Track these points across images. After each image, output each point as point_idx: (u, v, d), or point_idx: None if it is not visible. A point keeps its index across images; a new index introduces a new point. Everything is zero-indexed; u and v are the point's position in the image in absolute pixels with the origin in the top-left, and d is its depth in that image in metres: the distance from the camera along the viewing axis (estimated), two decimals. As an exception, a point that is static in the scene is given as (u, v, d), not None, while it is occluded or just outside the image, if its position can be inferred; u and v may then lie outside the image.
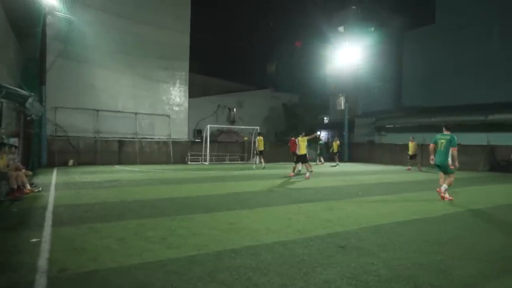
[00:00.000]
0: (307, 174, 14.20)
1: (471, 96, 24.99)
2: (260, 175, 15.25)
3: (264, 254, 4.34)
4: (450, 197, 8.93)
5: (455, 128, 22.22)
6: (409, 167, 20.49)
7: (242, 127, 27.19)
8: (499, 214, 7.41)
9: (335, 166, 21.75)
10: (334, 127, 34.64)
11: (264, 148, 19.78)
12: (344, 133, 29.28)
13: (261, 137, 19.68)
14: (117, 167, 18.51)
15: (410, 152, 20.33)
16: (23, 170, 9.15)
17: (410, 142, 20.46)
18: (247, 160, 24.99)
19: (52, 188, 9.90)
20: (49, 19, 18.01)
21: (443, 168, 9.05)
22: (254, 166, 20.39)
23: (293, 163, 15.32)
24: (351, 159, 28.11)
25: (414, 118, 26.94)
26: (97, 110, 20.40)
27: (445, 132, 9.15)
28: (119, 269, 3.84)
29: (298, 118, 29.07)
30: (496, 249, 4.81)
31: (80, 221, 5.95)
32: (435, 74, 28.12)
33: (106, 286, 3.44)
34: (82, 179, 12.39)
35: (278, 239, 5.04)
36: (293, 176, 14.54)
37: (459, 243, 5.05)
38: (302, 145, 14.31)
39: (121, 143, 20.97)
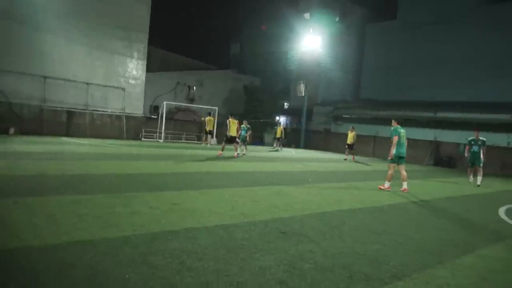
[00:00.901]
0: (235, 153, 15.32)
1: (422, 93, 26.14)
2: (215, 156, 15.05)
3: (203, 237, 4.20)
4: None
5: (406, 122, 23.13)
6: (346, 157, 19.87)
7: (201, 106, 26.66)
8: (437, 207, 7.77)
9: (275, 150, 22.01)
10: (294, 113, 35.01)
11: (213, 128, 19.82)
12: (302, 120, 29.63)
13: (211, 118, 20.21)
14: (65, 139, 17.52)
15: (349, 142, 19.44)
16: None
17: (349, 132, 19.68)
18: (205, 140, 24.62)
19: (-15, 157, 9.12)
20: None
21: (403, 160, 9.52)
22: (204, 145, 20.49)
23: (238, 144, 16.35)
24: (308, 146, 28.59)
25: (369, 110, 27.78)
26: (45, 77, 19.02)
27: (399, 125, 9.59)
28: (43, 248, 3.53)
29: (259, 101, 28.96)
30: (431, 240, 5.00)
31: (7, 194, 5.47)
32: (392, 69, 29.05)
33: (25, 266, 3.14)
34: (23, 149, 11.56)
35: (221, 222, 4.92)
36: (237, 156, 15.19)
37: (398, 233, 5.19)
38: (232, 127, 15.04)
39: (70, 114, 19.83)
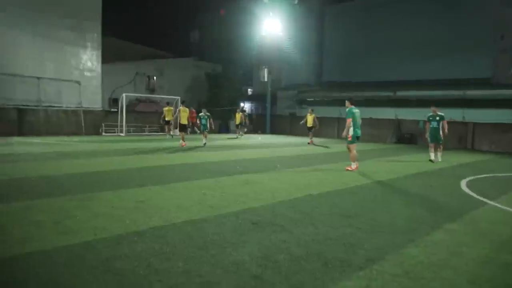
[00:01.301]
0: (183, 142, 14.93)
1: (382, 73, 26.73)
2: (178, 147, 14.66)
3: (171, 236, 3.99)
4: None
5: (368, 103, 23.45)
6: (310, 140, 19.28)
7: (162, 96, 25.88)
8: (403, 185, 7.94)
9: (235, 138, 21.87)
10: (258, 99, 34.86)
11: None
12: (266, 105, 29.57)
13: (170, 108, 20.01)
14: (16, 138, 16.44)
15: (308, 124, 19.02)
16: None
17: (308, 115, 19.19)
18: (167, 132, 24.03)
19: None
20: None
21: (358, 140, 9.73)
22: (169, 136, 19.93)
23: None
24: (273, 131, 28.60)
25: (332, 92, 28.12)
26: (-12, 73, 17.65)
27: (353, 106, 9.73)
28: (-10, 263, 3.19)
29: (221, 88, 28.53)
30: (400, 219, 5.05)
31: (-49, 204, 4.97)
32: (351, 51, 29.42)
33: (-31, 286, 2.81)
34: (-32, 152, 10.69)
35: (189, 217, 4.71)
36: (185, 145, 14.80)
37: (368, 215, 5.21)
38: (183, 115, 15.33)
39: (21, 111, 18.58)
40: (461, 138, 20.51)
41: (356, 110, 9.55)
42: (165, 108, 20.19)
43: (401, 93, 23.72)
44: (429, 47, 25.18)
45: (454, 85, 21.94)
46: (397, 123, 22.93)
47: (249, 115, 27.80)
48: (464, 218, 5.25)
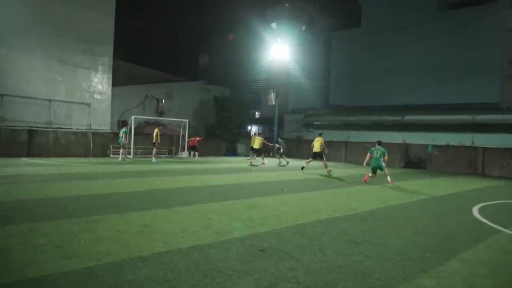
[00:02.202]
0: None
1: (390, 97, 26.81)
2: (184, 170, 14.62)
3: (176, 262, 3.88)
4: None
5: (375, 127, 23.33)
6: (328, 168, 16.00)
7: (171, 119, 26.10)
8: (410, 210, 7.76)
9: (258, 165, 19.59)
10: (265, 122, 34.99)
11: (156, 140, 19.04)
12: (274, 129, 29.62)
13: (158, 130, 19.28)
14: (26, 159, 16.55)
15: (315, 150, 16.09)
16: None
17: (315, 139, 16.57)
18: (175, 154, 24.10)
19: None
20: None
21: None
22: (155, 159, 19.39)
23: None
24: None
25: (339, 116, 28.15)
26: (2, 95, 18.00)
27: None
28: (-9, 288, 3.12)
29: (229, 112, 28.70)
30: (412, 247, 4.89)
31: (-44, 226, 4.93)
32: (359, 75, 29.67)
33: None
34: (-23, 173, 10.74)
35: (194, 242, 4.61)
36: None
37: (378, 242, 5.06)
38: (257, 141, 19.10)
39: (31, 133, 18.78)
40: (471, 163, 20.22)
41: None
42: (156, 130, 19.48)
43: (409, 117, 23.62)
44: (437, 72, 25.32)
45: (463, 110, 21.83)
46: (405, 148, 22.73)
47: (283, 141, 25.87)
48: (478, 247, 5.07)
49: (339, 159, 25.64)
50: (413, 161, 22.01)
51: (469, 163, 20.29)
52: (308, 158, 17.16)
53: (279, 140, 22.05)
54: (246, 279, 3.50)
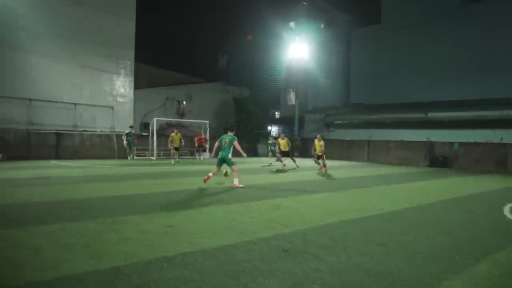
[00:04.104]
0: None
1: (413, 94, 26.21)
2: (205, 171, 14.72)
3: (201, 262, 3.91)
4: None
5: (397, 125, 22.88)
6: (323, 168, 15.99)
7: (191, 120, 26.38)
8: (436, 210, 7.56)
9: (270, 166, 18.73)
10: (285, 122, 34.87)
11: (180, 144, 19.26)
12: (294, 128, 29.50)
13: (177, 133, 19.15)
14: (54, 162, 17.08)
15: (318, 152, 16.05)
16: None
17: (316, 141, 16.25)
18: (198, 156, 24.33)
19: (-32, 186, 8.72)
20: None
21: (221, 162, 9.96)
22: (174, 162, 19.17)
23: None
24: (301, 154, 28.33)
25: (360, 114, 27.76)
26: (30, 100, 18.65)
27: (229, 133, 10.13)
28: (26, 287, 3.22)
29: (249, 112, 28.77)
30: (440, 248, 4.77)
31: (-9, 226, 5.14)
32: (380, 72, 29.14)
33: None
34: (8, 175, 11.16)
35: (218, 243, 4.63)
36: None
37: (404, 243, 4.95)
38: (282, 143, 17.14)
39: (58, 136, 19.39)
40: (500, 161, 19.53)
41: (224, 136, 10.11)
42: (173, 134, 19.03)
43: (433, 114, 23.04)
44: (461, 67, 24.58)
45: (490, 105, 21.11)
46: (430, 146, 22.18)
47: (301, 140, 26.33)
48: (511, 248, 4.88)
49: (361, 158, 25.30)
50: (438, 160, 21.45)
51: (497, 161, 19.62)
52: (334, 157, 17.10)
53: (271, 139, 20.11)
54: (271, 279, 3.49)
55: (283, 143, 17.41)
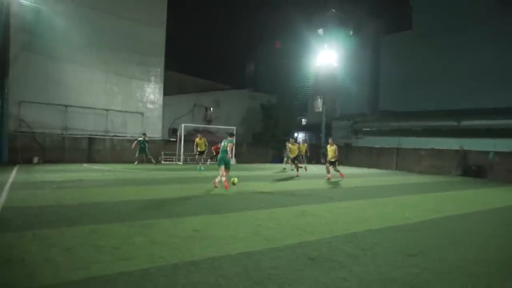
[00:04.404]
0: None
1: (445, 101, 25.41)
2: (233, 177, 14.79)
3: (227, 268, 3.93)
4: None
5: (429, 133, 22.29)
6: (328, 176, 15.21)
7: (218, 126, 26.66)
8: (470, 222, 7.26)
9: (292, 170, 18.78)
10: (312, 129, 34.63)
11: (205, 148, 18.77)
12: (321, 136, 29.23)
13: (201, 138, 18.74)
14: (86, 165, 17.68)
15: (330, 158, 15.47)
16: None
17: (328, 146, 15.87)
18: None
19: (7, 187, 9.16)
20: (13, 8, 16.96)
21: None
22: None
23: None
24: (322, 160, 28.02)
25: (389, 122, 27.15)
26: (66, 106, 19.46)
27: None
28: (58, 286, 3.34)
29: (276, 119, 28.77)
30: (473, 261, 4.57)
31: (27, 226, 5.36)
32: (410, 79, 28.46)
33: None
34: (44, 178, 11.63)
35: (244, 249, 4.63)
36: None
37: (435, 254, 4.78)
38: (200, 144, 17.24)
39: (91, 140, 20.09)
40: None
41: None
42: (197, 139, 18.72)
43: (467, 123, 22.21)
44: (496, 75, 23.64)
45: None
46: (463, 154, 21.37)
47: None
48: (552, 264, 4.62)
49: (390, 166, 24.69)
50: (472, 169, 20.62)
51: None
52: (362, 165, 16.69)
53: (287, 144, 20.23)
54: (297, 287, 3.45)
55: (294, 148, 17.45)
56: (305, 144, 21.25)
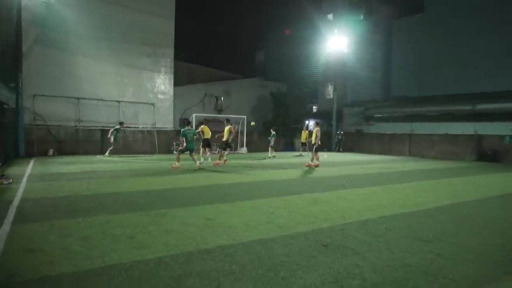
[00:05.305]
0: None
1: (459, 85, 24.95)
2: (244, 165, 14.86)
3: (240, 255, 3.96)
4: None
5: (443, 117, 21.82)
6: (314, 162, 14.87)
7: (229, 116, 26.64)
8: (486, 207, 7.16)
9: (299, 155, 21.61)
10: (323, 116, 34.39)
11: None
12: (332, 122, 29.03)
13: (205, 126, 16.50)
14: (99, 157, 17.92)
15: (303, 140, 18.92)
16: (-9, 161, 8.58)
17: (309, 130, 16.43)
18: (234, 150, 24.58)
19: (24, 180, 9.35)
20: (24, 1, 17.08)
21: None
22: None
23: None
24: (343, 149, 27.87)
25: (402, 107, 26.80)
26: (78, 98, 19.66)
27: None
28: (75, 274, 3.42)
29: (287, 107, 28.63)
30: (491, 247, 4.52)
31: (44, 217, 5.48)
32: (423, 63, 27.96)
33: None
34: (59, 169, 11.84)
35: (257, 236, 4.67)
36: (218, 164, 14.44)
37: (450, 240, 4.74)
38: (206, 131, 15.61)
39: (104, 132, 20.26)
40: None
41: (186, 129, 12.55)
42: (202, 126, 16.25)
43: (482, 106, 21.78)
44: (510, 56, 23.03)
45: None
46: (478, 139, 21.01)
47: (342, 134, 27.21)
48: None
49: (402, 152, 24.45)
50: (487, 154, 20.28)
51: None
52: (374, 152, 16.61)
53: (271, 132, 21.16)
54: (310, 274, 3.47)
55: (304, 135, 19.18)
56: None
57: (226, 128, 15.45)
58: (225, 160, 14.87)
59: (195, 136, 13.25)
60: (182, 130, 12.92)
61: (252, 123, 22.77)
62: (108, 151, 18.01)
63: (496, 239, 4.87)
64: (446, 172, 14.13)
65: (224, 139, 15.44)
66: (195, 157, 13.30)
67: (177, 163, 12.81)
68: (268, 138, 21.27)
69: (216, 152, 19.61)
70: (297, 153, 23.27)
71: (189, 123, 13.48)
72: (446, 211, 6.61)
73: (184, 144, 12.82)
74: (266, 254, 4.01)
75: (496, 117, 21.12)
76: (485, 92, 22.96)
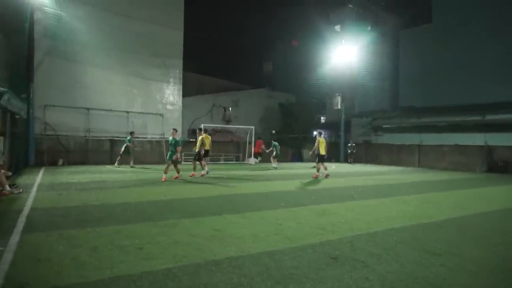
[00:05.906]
0: (202, 172, 14.31)
1: (468, 96, 24.76)
2: (252, 176, 14.85)
3: (248, 267, 3.94)
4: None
5: (452, 128, 21.66)
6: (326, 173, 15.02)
7: (237, 126, 26.77)
8: (497, 220, 7.04)
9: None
10: (331, 127, 34.33)
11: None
12: (340, 133, 28.94)
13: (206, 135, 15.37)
14: (108, 167, 18.05)
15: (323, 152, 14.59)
16: (2, 171, 8.70)
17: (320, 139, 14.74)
18: (242, 160, 24.61)
19: (34, 189, 9.46)
20: (37, 14, 17.50)
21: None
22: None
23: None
24: (347, 159, 27.74)
25: (410, 118, 26.65)
26: (88, 109, 19.93)
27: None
28: (84, 285, 3.43)
29: (294, 117, 28.66)
30: (502, 262, 4.44)
31: (54, 227, 5.53)
32: (432, 73, 27.84)
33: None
34: (68, 179, 11.95)
35: (265, 248, 4.64)
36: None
37: (461, 254, 4.67)
38: (206, 142, 14.74)
39: (112, 142, 20.49)
40: None
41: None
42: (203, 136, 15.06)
43: (492, 117, 21.57)
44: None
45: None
46: (488, 150, 20.75)
47: (354, 146, 26.73)
48: None
49: (412, 163, 24.22)
50: (498, 165, 20.00)
51: None
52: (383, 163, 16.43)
53: (273, 142, 20.46)
54: (319, 287, 3.44)
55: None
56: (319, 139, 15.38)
57: (199, 138, 14.56)
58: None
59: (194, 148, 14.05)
60: (179, 139, 13.20)
61: (273, 131, 22.83)
62: (117, 161, 18.26)
63: (508, 253, 4.77)
64: (457, 183, 13.96)
65: (197, 149, 14.52)
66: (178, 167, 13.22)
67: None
68: (269, 149, 20.91)
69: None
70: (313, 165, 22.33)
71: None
72: (455, 223, 6.51)
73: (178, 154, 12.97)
74: (274, 266, 3.99)
75: (506, 127, 20.88)
76: (494, 103, 22.74)
